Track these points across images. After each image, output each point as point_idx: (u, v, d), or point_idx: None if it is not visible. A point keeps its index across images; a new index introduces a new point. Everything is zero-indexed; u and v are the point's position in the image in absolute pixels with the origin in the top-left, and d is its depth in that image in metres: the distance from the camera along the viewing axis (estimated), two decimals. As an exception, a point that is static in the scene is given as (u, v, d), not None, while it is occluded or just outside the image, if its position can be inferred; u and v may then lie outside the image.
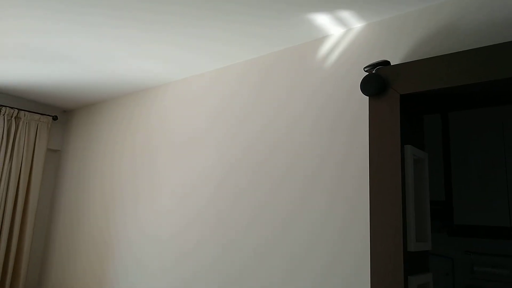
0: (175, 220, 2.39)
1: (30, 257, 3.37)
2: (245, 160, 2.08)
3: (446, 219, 1.75)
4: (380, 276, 1.31)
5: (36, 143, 3.35)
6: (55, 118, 3.50)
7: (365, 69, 1.53)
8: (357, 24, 1.76)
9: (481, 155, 1.71)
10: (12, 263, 3.16)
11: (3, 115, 3.16)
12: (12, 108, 3.21)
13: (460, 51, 1.32)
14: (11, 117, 3.22)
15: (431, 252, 1.75)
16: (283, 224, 1.84)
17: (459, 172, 1.74)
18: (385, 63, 1.50)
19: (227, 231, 2.08)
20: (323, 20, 1.75)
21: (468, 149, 1.74)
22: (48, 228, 3.53)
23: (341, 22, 1.76)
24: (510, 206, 1.60)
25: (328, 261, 1.65)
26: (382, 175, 1.37)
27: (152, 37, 2.02)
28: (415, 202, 1.41)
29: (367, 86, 1.47)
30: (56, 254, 3.33)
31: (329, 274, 1.64)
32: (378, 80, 1.44)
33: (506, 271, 1.59)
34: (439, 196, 1.77)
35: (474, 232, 1.69)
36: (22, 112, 3.27)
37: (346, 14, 1.69)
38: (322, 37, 1.90)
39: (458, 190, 1.74)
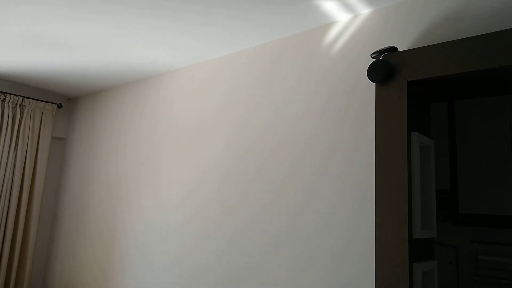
0: (180, 212, 2.37)
1: (36, 246, 3.40)
2: (253, 150, 2.06)
3: (451, 208, 1.74)
4: (385, 263, 1.31)
5: (41, 131, 3.36)
6: (59, 105, 3.50)
7: (372, 56, 1.52)
8: (364, 10, 1.74)
9: (487, 144, 1.69)
10: (18, 252, 3.18)
11: (8, 102, 3.17)
12: (16, 95, 3.21)
13: (468, 37, 1.30)
14: (16, 104, 3.23)
15: (436, 241, 1.75)
16: (291, 216, 1.83)
17: (465, 161, 1.73)
18: (393, 49, 1.48)
19: (234, 224, 2.06)
20: (330, 6, 1.73)
21: (474, 137, 1.73)
22: (54, 216, 3.55)
23: (348, 8, 1.74)
24: (516, 195, 1.59)
25: (337, 252, 1.65)
26: (389, 162, 1.36)
27: (157, 24, 2.00)
28: (421, 189, 1.41)
29: (374, 72, 1.45)
30: (62, 243, 3.36)
31: (338, 265, 1.64)
32: (385, 67, 1.43)
33: (511, 260, 1.59)
34: (445, 185, 1.76)
35: (479, 221, 1.68)
36: (26, 100, 3.27)
37: (353, 0, 1.67)
38: (329, 23, 1.88)
39: (464, 179, 1.73)
